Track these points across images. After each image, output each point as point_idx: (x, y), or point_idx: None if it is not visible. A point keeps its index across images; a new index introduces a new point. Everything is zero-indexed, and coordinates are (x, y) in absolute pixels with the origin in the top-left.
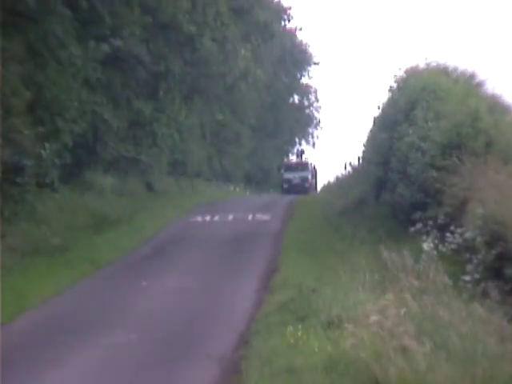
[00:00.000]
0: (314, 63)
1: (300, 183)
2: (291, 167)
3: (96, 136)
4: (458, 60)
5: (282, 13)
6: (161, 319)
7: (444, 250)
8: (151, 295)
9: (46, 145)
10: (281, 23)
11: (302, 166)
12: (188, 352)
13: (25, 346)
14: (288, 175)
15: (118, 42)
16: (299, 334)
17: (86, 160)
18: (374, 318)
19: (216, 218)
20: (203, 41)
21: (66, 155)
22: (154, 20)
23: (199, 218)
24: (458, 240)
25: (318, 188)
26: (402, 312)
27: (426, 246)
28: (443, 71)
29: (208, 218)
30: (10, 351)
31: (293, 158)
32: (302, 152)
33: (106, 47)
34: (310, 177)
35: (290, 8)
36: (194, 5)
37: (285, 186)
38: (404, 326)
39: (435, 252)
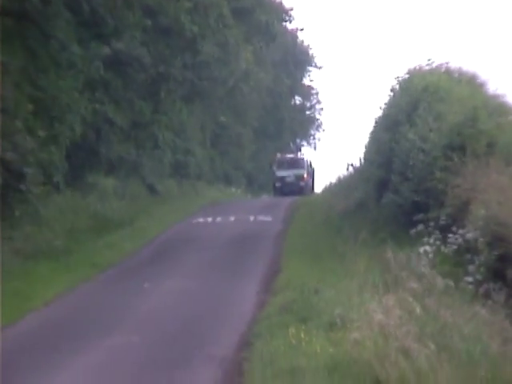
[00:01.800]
0: (316, 66)
1: (294, 182)
2: (284, 163)
3: (99, 136)
4: (461, 60)
5: (283, 14)
6: (163, 321)
7: (446, 251)
8: (153, 297)
9: (50, 148)
10: (282, 24)
11: (297, 162)
12: (190, 354)
13: (27, 349)
14: (281, 173)
15: (119, 45)
16: (301, 335)
17: (88, 162)
18: (376, 318)
19: (218, 219)
20: (204, 43)
21: (67, 159)
22: (155, 22)
23: (201, 220)
24: (460, 241)
25: (318, 188)
26: (405, 313)
27: (428, 247)
28: (445, 72)
29: (210, 219)
30: (12, 354)
31: (286, 154)
32: (299, 148)
33: (106, 49)
34: (305, 174)
35: (291, 9)
36: (195, 6)
37: (277, 184)
38: (406, 328)
39: (436, 253)
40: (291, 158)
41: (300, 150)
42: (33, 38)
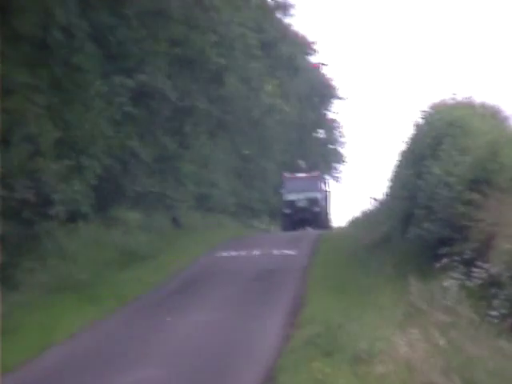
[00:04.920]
0: (340, 98)
1: (307, 207)
2: (295, 185)
3: (124, 171)
4: (484, 95)
5: (306, 47)
6: (187, 355)
7: (471, 285)
8: (177, 331)
9: (74, 181)
10: (306, 58)
11: (310, 182)
12: None
13: (51, 383)
14: (290, 196)
15: (143, 77)
16: (326, 369)
17: (113, 195)
18: (401, 352)
19: (242, 253)
20: (229, 76)
21: (92, 192)
22: (180, 55)
23: (225, 253)
24: (485, 275)
25: (338, 220)
26: (430, 346)
27: (452, 281)
28: (469, 106)
29: (234, 253)
30: None
31: (296, 173)
32: (311, 168)
33: (131, 82)
34: (319, 198)
35: (314, 42)
36: (221, 38)
37: (286, 211)
38: (432, 361)
39: (461, 287)
40: (303, 178)
41: (313, 169)
42: (57, 69)
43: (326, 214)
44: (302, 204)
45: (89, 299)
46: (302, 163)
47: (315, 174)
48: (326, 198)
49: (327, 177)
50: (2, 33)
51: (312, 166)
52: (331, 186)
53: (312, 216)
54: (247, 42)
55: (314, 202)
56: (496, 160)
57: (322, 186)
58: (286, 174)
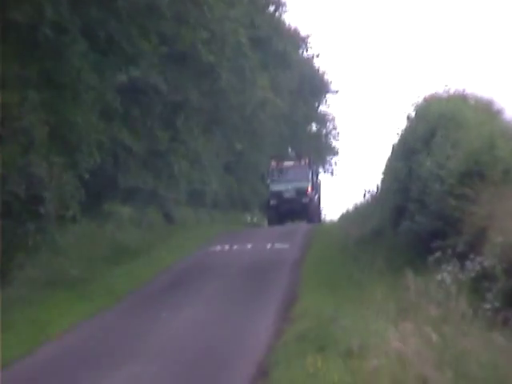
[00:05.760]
0: (332, 91)
1: (295, 198)
2: (281, 174)
3: (116, 165)
4: (477, 87)
5: (300, 41)
6: (180, 350)
7: (464, 278)
8: (170, 326)
9: (65, 176)
10: (299, 52)
11: (299, 171)
12: (208, 383)
13: (44, 378)
14: (276, 186)
15: (135, 73)
16: (319, 363)
17: (105, 191)
18: (394, 346)
19: (235, 247)
20: (221, 71)
21: (84, 187)
22: (171, 50)
23: (218, 248)
24: (478, 268)
25: (331, 213)
26: (422, 340)
27: (445, 275)
28: (462, 98)
29: (227, 247)
30: (29, 382)
31: (284, 161)
32: (300, 155)
33: (123, 77)
34: (309, 188)
35: (308, 36)
36: (212, 35)
37: (272, 202)
38: (424, 355)
39: (454, 281)
40: (291, 167)
41: (302, 157)
42: (48, 64)
43: (317, 205)
44: (289, 195)
45: (82, 295)
46: (290, 151)
47: (304, 161)
48: (316, 188)
49: (318, 165)
50: None
51: (301, 154)
52: (323, 176)
53: (300, 208)
54: (239, 40)
55: (302, 192)
56: (490, 153)
57: (312, 174)
58: (273, 162)
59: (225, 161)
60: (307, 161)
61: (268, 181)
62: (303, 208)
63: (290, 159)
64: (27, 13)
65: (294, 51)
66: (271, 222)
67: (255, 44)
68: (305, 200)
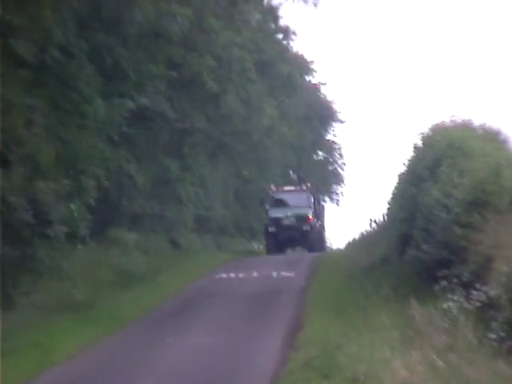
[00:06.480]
0: (339, 121)
1: (295, 225)
2: (281, 200)
3: (121, 192)
4: (484, 117)
5: (305, 67)
6: (185, 377)
7: (469, 307)
8: (175, 352)
9: (72, 203)
10: (304, 77)
11: (299, 196)
12: None
13: None
14: (275, 212)
15: (142, 100)
16: None
17: (110, 216)
18: (400, 375)
19: (240, 275)
20: (227, 98)
21: (90, 212)
22: (178, 76)
23: (224, 275)
24: (483, 298)
25: (337, 241)
26: (428, 369)
27: (451, 304)
28: (469, 128)
29: (232, 274)
30: None
31: (284, 187)
32: (301, 179)
33: (130, 104)
34: (310, 215)
35: (312, 62)
36: (218, 62)
37: (270, 229)
38: None
39: (460, 310)
40: (291, 192)
41: (304, 181)
42: (55, 90)
43: (319, 233)
44: (288, 222)
45: (87, 320)
46: (293, 175)
47: (305, 186)
48: (318, 215)
49: (324, 194)
50: (1, 53)
51: (303, 178)
52: (329, 205)
53: (301, 236)
54: (244, 66)
55: (303, 219)
56: (496, 182)
57: (314, 200)
58: (272, 187)
59: (231, 188)
60: (309, 186)
61: (267, 206)
62: (304, 236)
63: (290, 184)
64: (36, 37)
65: (300, 77)
66: (270, 251)
67: (261, 69)
68: (306, 227)
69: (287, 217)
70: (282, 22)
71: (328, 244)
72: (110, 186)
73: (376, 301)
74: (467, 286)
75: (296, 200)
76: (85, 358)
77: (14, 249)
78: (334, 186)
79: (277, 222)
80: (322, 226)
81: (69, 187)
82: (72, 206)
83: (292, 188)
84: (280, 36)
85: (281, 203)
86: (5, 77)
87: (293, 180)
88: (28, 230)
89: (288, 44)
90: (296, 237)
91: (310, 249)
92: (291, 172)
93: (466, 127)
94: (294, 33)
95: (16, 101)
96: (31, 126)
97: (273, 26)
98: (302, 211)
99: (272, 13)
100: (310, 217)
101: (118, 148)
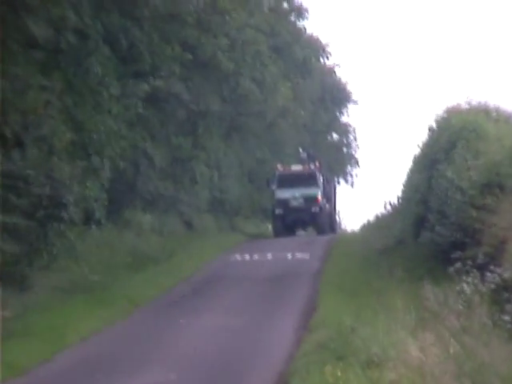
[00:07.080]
0: (353, 102)
1: (303, 206)
2: (288, 180)
3: (138, 172)
4: (499, 99)
5: (320, 50)
6: (199, 358)
7: (484, 289)
8: (190, 333)
9: (88, 182)
10: (319, 60)
11: (307, 177)
12: None
13: None
14: (282, 193)
15: (157, 82)
16: (338, 373)
17: (125, 198)
18: (413, 356)
19: (255, 256)
20: (242, 79)
21: (106, 193)
22: (193, 58)
23: (238, 257)
24: (498, 280)
25: (351, 223)
26: (442, 351)
27: (465, 286)
28: (484, 110)
29: (247, 256)
30: None
31: (291, 166)
32: (311, 157)
33: (145, 86)
34: (319, 195)
35: (327, 45)
36: (232, 44)
37: (277, 211)
38: (444, 366)
39: (474, 292)
40: (298, 172)
41: (313, 160)
42: (70, 71)
43: (329, 214)
44: (296, 203)
45: (101, 301)
46: (302, 153)
47: (314, 165)
48: (328, 196)
49: (338, 175)
50: (17, 35)
51: (313, 155)
52: (343, 187)
53: (309, 217)
54: (258, 49)
55: (311, 200)
56: (511, 165)
57: (324, 180)
58: (279, 167)
59: (246, 169)
60: (317, 165)
61: (273, 187)
62: (313, 218)
63: (299, 162)
64: (51, 19)
65: (314, 59)
66: (277, 234)
67: (276, 51)
68: (314, 209)
69: (295, 198)
70: (296, 1)
71: (340, 226)
72: (126, 166)
73: (390, 283)
74: (482, 268)
75: (304, 180)
76: (98, 339)
77: (29, 227)
78: (349, 168)
79: (284, 203)
80: (333, 207)
81: (84, 169)
82: (87, 185)
83: (300, 167)
84: (293, 17)
85: (288, 184)
86: (20, 57)
87: (302, 158)
88: (42, 210)
89: (303, 26)
90: (304, 219)
91: (320, 231)
92: (301, 150)
93: (480, 110)
94: (306, 10)
95: (32, 81)
96: (47, 107)
97: (286, 5)
98: (310, 192)
99: None
100: (319, 197)
101: (134, 129)
